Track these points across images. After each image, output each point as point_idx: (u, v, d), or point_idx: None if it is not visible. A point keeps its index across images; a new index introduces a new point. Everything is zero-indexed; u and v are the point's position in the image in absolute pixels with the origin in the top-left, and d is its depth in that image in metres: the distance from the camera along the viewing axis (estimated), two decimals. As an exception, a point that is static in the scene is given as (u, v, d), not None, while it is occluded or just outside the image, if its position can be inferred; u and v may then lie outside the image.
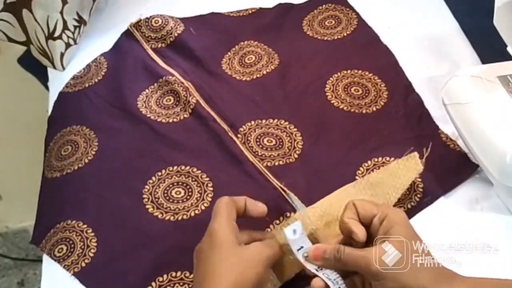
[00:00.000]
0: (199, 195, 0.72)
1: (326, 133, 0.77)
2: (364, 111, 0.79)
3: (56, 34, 0.91)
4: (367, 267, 0.52)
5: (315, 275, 0.55)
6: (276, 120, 0.79)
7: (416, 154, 0.68)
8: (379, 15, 0.93)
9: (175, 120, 0.81)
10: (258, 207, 0.61)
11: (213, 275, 0.52)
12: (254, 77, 0.86)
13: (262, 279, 0.54)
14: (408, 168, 0.67)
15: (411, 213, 0.68)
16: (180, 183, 0.73)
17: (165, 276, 0.65)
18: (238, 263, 0.53)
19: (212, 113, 0.80)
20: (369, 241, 0.55)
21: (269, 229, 0.66)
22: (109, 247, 0.68)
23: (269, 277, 0.59)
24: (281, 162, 0.74)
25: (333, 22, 0.93)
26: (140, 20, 0.93)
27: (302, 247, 0.57)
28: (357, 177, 0.71)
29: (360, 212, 0.57)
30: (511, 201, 0.67)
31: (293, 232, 0.58)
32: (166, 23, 0.92)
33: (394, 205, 0.67)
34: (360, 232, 0.55)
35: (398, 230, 0.54)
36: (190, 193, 0.72)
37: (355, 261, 0.53)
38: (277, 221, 0.67)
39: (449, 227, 0.66)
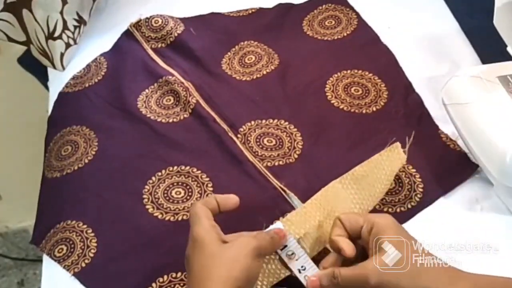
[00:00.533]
0: (199, 195, 0.72)
1: (326, 133, 0.77)
2: (364, 111, 0.79)
3: (56, 34, 0.91)
4: (366, 283, 0.52)
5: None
6: (276, 120, 0.79)
7: (398, 144, 0.69)
8: (379, 15, 0.93)
9: (175, 120, 0.81)
10: (229, 200, 0.59)
11: (204, 277, 0.52)
12: (254, 77, 0.86)
13: (253, 271, 0.54)
14: (391, 159, 0.67)
15: (411, 213, 0.68)
16: (180, 183, 0.73)
17: (165, 276, 0.65)
18: (226, 259, 0.53)
19: (212, 113, 0.80)
20: (364, 253, 0.56)
21: (268, 229, 0.66)
22: (109, 247, 0.68)
23: (261, 269, 0.58)
24: (281, 162, 0.74)
25: (333, 22, 0.93)
26: (140, 20, 0.93)
27: (285, 246, 0.57)
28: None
29: (346, 225, 0.57)
30: (511, 201, 0.67)
31: None
32: (166, 23, 0.92)
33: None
34: (347, 248, 0.55)
35: (389, 235, 0.54)
36: (190, 193, 0.72)
37: (353, 281, 0.53)
38: (277, 221, 0.67)
39: (449, 227, 0.66)
